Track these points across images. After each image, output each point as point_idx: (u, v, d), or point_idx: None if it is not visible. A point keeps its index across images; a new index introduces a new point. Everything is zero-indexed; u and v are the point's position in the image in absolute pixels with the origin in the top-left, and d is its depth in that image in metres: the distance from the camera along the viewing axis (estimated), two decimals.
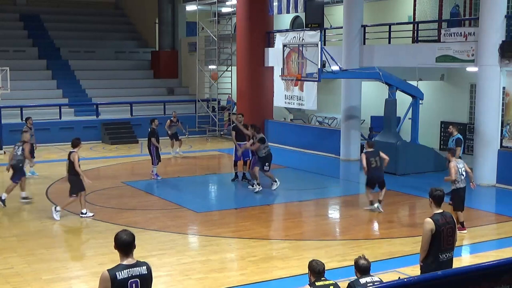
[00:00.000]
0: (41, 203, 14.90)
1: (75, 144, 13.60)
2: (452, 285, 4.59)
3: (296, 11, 22.98)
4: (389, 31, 20.39)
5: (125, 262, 5.67)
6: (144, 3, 33.58)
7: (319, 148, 22.63)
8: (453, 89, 22.21)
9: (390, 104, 18.93)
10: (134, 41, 33.82)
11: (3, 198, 14.61)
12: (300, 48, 18.14)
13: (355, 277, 6.71)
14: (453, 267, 7.42)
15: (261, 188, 16.07)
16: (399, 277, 8.73)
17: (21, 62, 28.16)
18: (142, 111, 26.83)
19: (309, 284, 6.48)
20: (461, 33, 17.65)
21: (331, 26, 21.88)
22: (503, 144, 16.96)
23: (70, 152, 13.43)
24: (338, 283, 6.55)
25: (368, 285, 6.41)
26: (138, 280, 5.64)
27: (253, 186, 16.29)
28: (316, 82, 20.14)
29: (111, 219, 13.38)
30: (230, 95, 29.42)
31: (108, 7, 35.90)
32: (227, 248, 11.69)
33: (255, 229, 12.85)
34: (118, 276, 5.57)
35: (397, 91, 18.89)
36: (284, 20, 28.96)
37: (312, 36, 21.81)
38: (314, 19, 20.06)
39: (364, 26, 20.83)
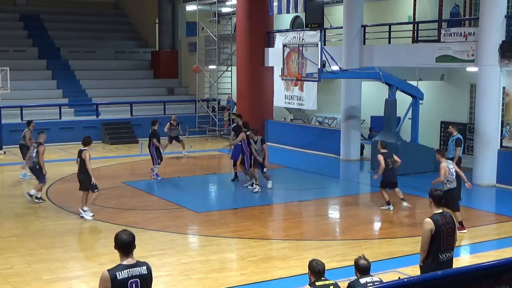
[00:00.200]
0: (41, 204, 14.87)
1: (87, 142, 13.57)
2: (452, 285, 4.59)
3: (296, 11, 22.98)
4: (389, 31, 20.39)
5: (125, 262, 5.67)
6: (144, 3, 33.58)
7: (319, 148, 22.63)
8: (453, 89, 22.21)
9: (390, 104, 18.93)
10: (134, 41, 33.82)
11: (38, 196, 14.85)
12: (300, 48, 18.14)
13: (355, 277, 6.72)
14: (453, 267, 7.42)
15: (260, 189, 16.15)
16: (399, 277, 8.73)
17: (21, 62, 28.15)
18: (142, 111, 26.84)
19: (309, 284, 6.48)
20: (461, 33, 17.66)
21: (331, 26, 21.88)
22: (503, 144, 16.96)
23: (82, 150, 13.34)
24: (338, 283, 6.56)
25: (368, 285, 6.42)
26: (138, 280, 5.64)
27: (252, 186, 16.37)
28: (316, 82, 20.14)
29: (111, 219, 13.38)
30: (230, 95, 29.42)
31: (108, 7, 35.90)
32: (227, 248, 11.69)
33: (255, 229, 12.86)
34: (118, 276, 5.57)
35: (397, 91, 18.89)
36: (284, 20, 28.96)
37: (312, 36, 21.81)
38: (314, 19, 20.06)
39: (364, 26, 20.83)
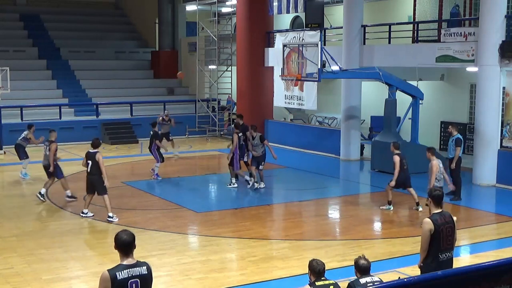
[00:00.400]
0: (41, 204, 14.88)
1: (97, 144, 13.61)
2: (452, 285, 4.59)
3: (296, 11, 22.98)
4: (389, 31, 20.39)
5: (125, 262, 5.67)
6: (144, 3, 33.59)
7: (319, 148, 22.63)
8: (453, 89, 22.21)
9: (390, 104, 18.93)
10: (134, 41, 33.82)
11: (68, 194, 14.96)
12: (300, 48, 18.13)
13: (355, 277, 6.71)
14: (453, 267, 7.42)
15: (263, 184, 16.28)
16: (399, 277, 8.73)
17: (21, 62, 28.16)
18: (142, 111, 26.84)
19: (309, 284, 6.48)
20: (461, 33, 17.65)
21: (331, 26, 21.88)
22: (503, 144, 16.96)
23: (94, 153, 13.32)
24: (338, 283, 6.56)
25: (368, 285, 6.41)
26: (138, 280, 5.64)
27: (249, 184, 16.53)
28: (316, 82, 20.13)
29: None
30: (230, 95, 29.43)
31: (108, 7, 35.91)
32: (227, 248, 11.69)
33: (255, 229, 12.86)
34: (118, 276, 5.57)
35: (397, 91, 18.88)
36: (284, 20, 28.96)
37: (312, 36, 21.81)
38: (314, 19, 20.06)
39: (364, 26, 20.83)
